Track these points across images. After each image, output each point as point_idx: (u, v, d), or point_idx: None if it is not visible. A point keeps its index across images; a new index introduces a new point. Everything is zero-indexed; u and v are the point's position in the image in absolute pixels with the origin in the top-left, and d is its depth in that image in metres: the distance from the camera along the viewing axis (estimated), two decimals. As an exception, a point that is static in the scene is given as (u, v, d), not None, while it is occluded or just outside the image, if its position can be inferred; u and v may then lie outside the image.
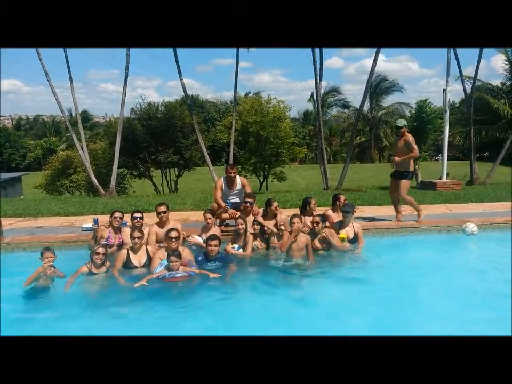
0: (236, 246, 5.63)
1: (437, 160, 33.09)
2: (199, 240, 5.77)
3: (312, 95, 40.32)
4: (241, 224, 5.62)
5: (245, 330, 3.67)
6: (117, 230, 5.68)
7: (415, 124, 13.13)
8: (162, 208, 5.75)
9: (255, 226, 5.76)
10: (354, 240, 5.86)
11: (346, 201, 6.39)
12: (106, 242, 5.53)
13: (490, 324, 3.68)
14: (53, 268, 4.56)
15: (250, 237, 5.67)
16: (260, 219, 5.94)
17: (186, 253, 5.11)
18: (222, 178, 6.87)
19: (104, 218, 6.26)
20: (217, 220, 6.63)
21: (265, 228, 5.84)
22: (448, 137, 12.85)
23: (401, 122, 7.24)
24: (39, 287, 4.47)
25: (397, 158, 7.08)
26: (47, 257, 4.55)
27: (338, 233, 5.83)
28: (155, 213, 5.91)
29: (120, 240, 5.63)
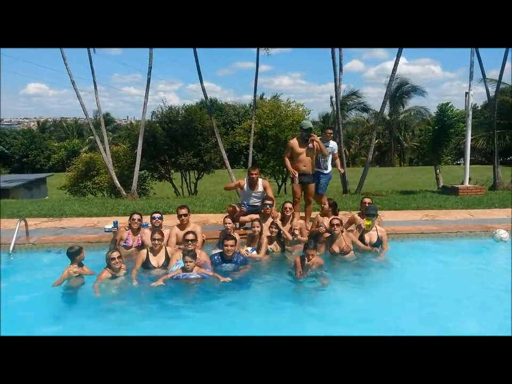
0: (249, 248, 5.67)
1: (459, 164, 32.45)
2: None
3: (331, 98, 40.08)
4: (257, 227, 5.65)
5: (254, 332, 3.66)
6: (136, 232, 5.79)
7: (436, 127, 12.91)
8: (184, 211, 5.83)
9: (273, 229, 5.79)
10: (378, 244, 5.79)
11: (369, 205, 6.28)
12: (124, 244, 5.67)
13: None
14: (79, 268, 4.73)
15: (264, 240, 5.69)
16: (279, 223, 5.96)
17: (203, 256, 5.19)
18: (245, 179, 6.94)
19: (125, 220, 6.39)
20: (237, 222, 6.69)
21: (281, 232, 5.88)
22: (471, 141, 12.61)
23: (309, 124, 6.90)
24: (67, 286, 4.65)
25: None
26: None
27: (363, 237, 5.80)
28: (174, 214, 6.00)
29: (139, 241, 5.74)
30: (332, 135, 7.61)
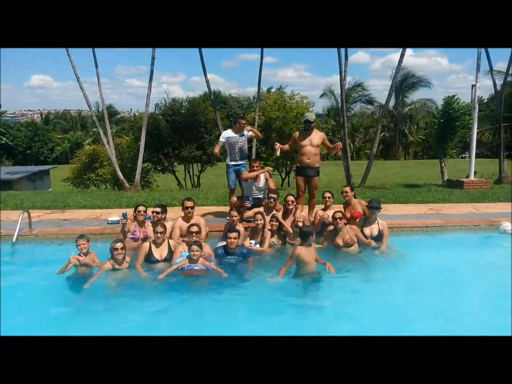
0: (253, 241, 5.66)
1: (464, 157, 32.26)
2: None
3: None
4: (260, 220, 5.64)
5: (256, 329, 3.66)
6: (142, 224, 5.79)
7: (442, 120, 12.78)
8: (190, 203, 5.82)
9: (273, 222, 5.78)
10: (379, 237, 5.75)
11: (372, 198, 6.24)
12: (132, 236, 5.67)
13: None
14: (82, 257, 4.74)
15: (267, 233, 5.69)
16: (279, 215, 5.93)
17: (207, 248, 5.18)
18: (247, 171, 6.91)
19: (130, 212, 6.37)
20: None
21: (282, 225, 5.86)
22: (477, 134, 12.49)
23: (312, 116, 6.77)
24: (74, 277, 4.68)
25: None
26: (80, 245, 4.76)
27: (362, 230, 5.76)
28: (178, 207, 5.99)
29: (145, 233, 5.74)
30: (246, 125, 7.31)
